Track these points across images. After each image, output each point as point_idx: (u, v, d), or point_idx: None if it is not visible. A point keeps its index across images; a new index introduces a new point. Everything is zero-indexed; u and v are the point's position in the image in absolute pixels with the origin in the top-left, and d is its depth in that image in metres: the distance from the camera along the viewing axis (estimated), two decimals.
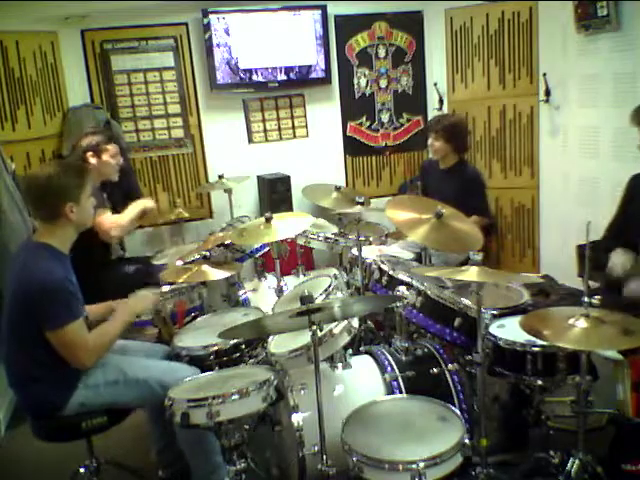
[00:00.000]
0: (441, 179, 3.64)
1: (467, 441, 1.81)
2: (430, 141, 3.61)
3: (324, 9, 4.44)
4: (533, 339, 2.01)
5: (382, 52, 4.74)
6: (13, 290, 2.10)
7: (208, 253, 3.08)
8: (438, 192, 3.43)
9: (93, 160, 3.23)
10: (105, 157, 3.26)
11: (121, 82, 4.23)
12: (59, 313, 2.04)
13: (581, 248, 2.94)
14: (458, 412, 1.98)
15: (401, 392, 2.24)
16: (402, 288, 2.42)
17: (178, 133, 4.43)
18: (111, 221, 3.14)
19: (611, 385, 2.18)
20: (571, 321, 1.82)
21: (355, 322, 2.29)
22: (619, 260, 2.45)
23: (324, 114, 4.73)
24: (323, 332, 2.14)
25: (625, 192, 2.69)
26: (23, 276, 2.07)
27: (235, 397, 1.92)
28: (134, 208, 3.35)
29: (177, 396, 1.99)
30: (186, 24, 4.28)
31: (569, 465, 2.06)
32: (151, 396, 2.22)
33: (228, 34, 4.26)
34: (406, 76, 4.84)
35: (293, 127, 4.70)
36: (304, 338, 2.10)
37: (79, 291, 2.19)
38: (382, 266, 2.64)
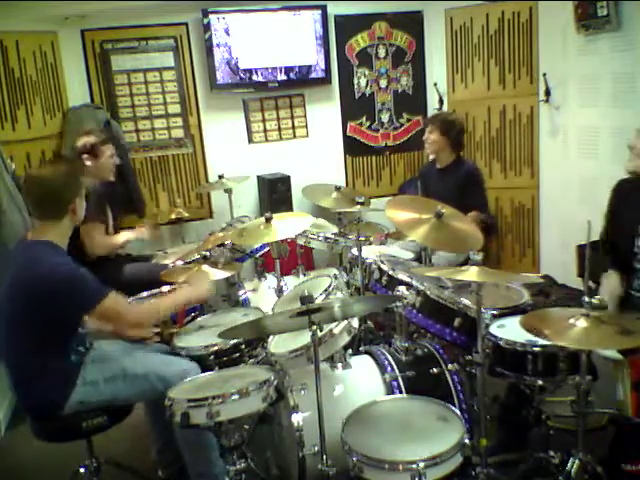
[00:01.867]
0: (439, 178, 3.65)
1: (467, 441, 1.81)
2: (426, 135, 3.64)
3: (324, 9, 4.44)
4: (533, 339, 2.01)
5: (382, 52, 4.74)
6: (15, 290, 2.09)
7: (208, 253, 3.08)
8: (437, 192, 3.44)
9: (89, 162, 3.26)
10: (101, 158, 3.29)
11: (121, 82, 4.24)
12: (93, 290, 2.10)
13: (581, 248, 2.94)
14: (458, 412, 1.98)
15: (401, 392, 2.24)
16: (402, 288, 2.42)
17: (178, 133, 4.43)
18: (101, 241, 3.18)
19: (611, 385, 2.18)
20: (571, 321, 1.82)
21: (355, 322, 2.29)
22: (609, 286, 2.42)
23: (324, 114, 4.73)
24: (323, 332, 2.14)
25: (611, 200, 2.64)
26: (31, 274, 2.06)
27: (235, 397, 1.91)
28: (125, 236, 3.43)
29: (177, 396, 1.98)
30: (186, 24, 4.29)
31: (569, 465, 2.06)
32: (151, 391, 2.22)
33: (228, 34, 4.26)
34: (406, 76, 4.84)
35: (293, 127, 4.70)
36: (304, 338, 2.10)
37: None
38: (382, 266, 2.64)
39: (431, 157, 3.81)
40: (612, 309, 2.34)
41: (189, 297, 2.49)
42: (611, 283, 2.42)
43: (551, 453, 2.22)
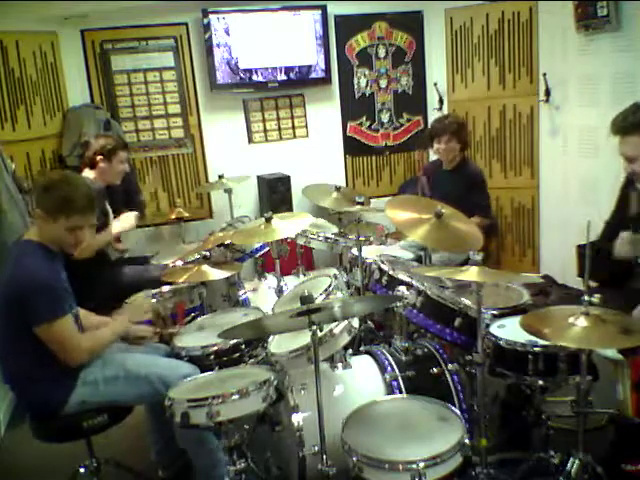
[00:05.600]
0: (445, 179, 3.63)
1: (467, 441, 1.81)
2: (442, 145, 3.56)
3: (324, 9, 4.44)
4: (534, 339, 2.01)
5: (382, 52, 4.74)
6: (5, 288, 2.09)
7: (208, 253, 3.08)
8: (442, 192, 3.43)
9: (103, 164, 3.30)
10: (115, 162, 3.31)
11: (121, 82, 4.24)
12: (46, 308, 2.04)
13: (581, 248, 2.94)
14: (458, 412, 1.98)
15: (401, 392, 2.24)
16: (402, 288, 2.42)
17: (178, 133, 4.43)
18: (89, 243, 3.11)
19: (611, 385, 2.18)
20: (571, 320, 1.82)
21: (355, 322, 2.29)
22: (627, 241, 2.42)
23: (324, 114, 4.73)
24: (323, 332, 2.14)
25: (620, 191, 2.68)
26: (13, 274, 2.08)
27: (235, 397, 1.92)
28: (115, 229, 3.40)
29: (177, 396, 1.99)
30: (186, 24, 4.29)
31: (569, 465, 2.06)
32: (152, 393, 2.22)
33: (228, 34, 4.26)
34: (406, 76, 4.84)
35: (293, 127, 4.70)
36: (304, 338, 2.10)
37: (69, 288, 2.20)
38: (382, 266, 2.64)
39: (434, 157, 3.82)
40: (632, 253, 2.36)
41: (126, 327, 2.39)
42: (628, 238, 2.42)
43: (551, 453, 2.22)
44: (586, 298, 1.86)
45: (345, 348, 2.33)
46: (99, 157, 3.31)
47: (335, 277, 2.76)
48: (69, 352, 2.11)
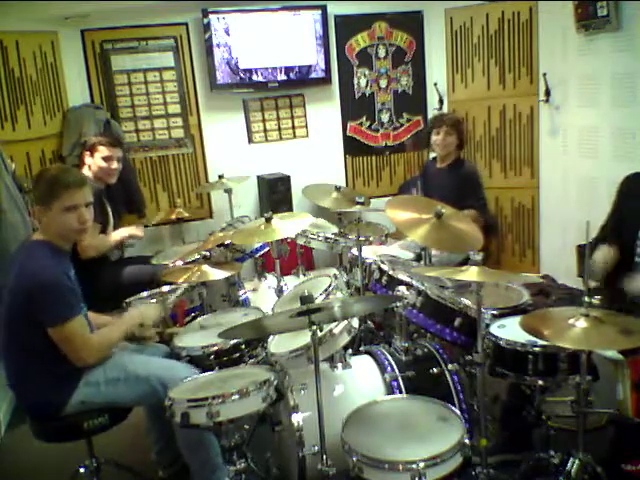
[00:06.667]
0: (439, 177, 3.66)
1: (467, 441, 1.81)
2: (441, 136, 3.58)
3: (324, 9, 4.44)
4: (534, 339, 2.01)
5: (382, 52, 4.74)
6: (11, 289, 2.09)
7: (208, 253, 3.08)
8: (437, 191, 3.44)
9: (88, 160, 3.32)
10: (97, 157, 3.31)
11: (121, 82, 4.23)
12: (58, 309, 2.04)
13: (581, 248, 2.95)
14: (458, 412, 1.98)
15: (401, 392, 2.24)
16: (402, 288, 2.42)
17: (178, 133, 4.42)
18: (92, 243, 3.12)
19: (611, 385, 2.18)
20: (571, 321, 1.82)
21: (355, 322, 2.29)
22: (600, 255, 2.48)
23: (324, 114, 4.73)
24: (323, 332, 2.14)
25: (618, 192, 2.69)
26: (21, 274, 2.07)
27: (235, 397, 1.91)
28: (121, 233, 3.43)
29: (177, 396, 1.99)
30: (186, 24, 4.28)
31: (569, 465, 2.06)
32: (152, 394, 2.21)
33: (228, 34, 4.26)
34: (406, 76, 4.84)
35: (293, 127, 4.69)
36: (304, 338, 2.10)
37: (78, 288, 2.20)
38: (382, 266, 2.64)
39: (432, 155, 3.82)
40: (599, 273, 2.46)
41: (135, 321, 2.42)
42: (604, 250, 2.48)
43: (551, 453, 2.22)
44: (586, 299, 1.86)
45: (345, 348, 2.33)
46: (85, 152, 3.34)
47: (335, 277, 2.77)
48: (80, 353, 2.10)
